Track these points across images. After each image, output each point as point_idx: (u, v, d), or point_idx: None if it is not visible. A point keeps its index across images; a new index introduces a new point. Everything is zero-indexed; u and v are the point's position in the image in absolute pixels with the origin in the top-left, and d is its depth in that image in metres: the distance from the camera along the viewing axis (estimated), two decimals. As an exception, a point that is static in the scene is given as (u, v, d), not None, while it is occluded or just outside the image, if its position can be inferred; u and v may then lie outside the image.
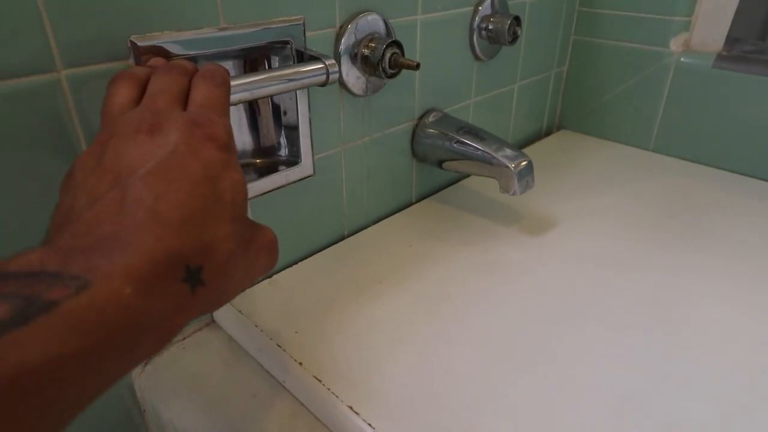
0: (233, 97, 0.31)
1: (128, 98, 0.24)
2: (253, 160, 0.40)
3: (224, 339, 0.39)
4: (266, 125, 0.40)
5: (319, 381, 0.33)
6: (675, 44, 0.62)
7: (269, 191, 0.39)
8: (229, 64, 0.36)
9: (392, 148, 0.50)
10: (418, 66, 0.41)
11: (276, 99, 0.39)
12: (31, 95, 0.27)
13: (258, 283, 0.42)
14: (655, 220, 0.51)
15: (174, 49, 0.31)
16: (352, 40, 0.41)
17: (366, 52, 0.41)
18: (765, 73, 0.57)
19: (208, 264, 0.20)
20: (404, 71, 0.43)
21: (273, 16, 0.35)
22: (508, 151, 0.47)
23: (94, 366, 0.16)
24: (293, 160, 0.41)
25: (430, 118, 0.51)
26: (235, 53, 0.35)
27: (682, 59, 0.62)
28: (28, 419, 0.15)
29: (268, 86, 0.33)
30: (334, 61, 0.35)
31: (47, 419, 0.15)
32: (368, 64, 0.41)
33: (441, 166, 0.52)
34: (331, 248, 0.47)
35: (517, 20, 0.53)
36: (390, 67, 0.41)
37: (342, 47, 0.40)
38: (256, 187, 0.38)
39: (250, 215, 0.39)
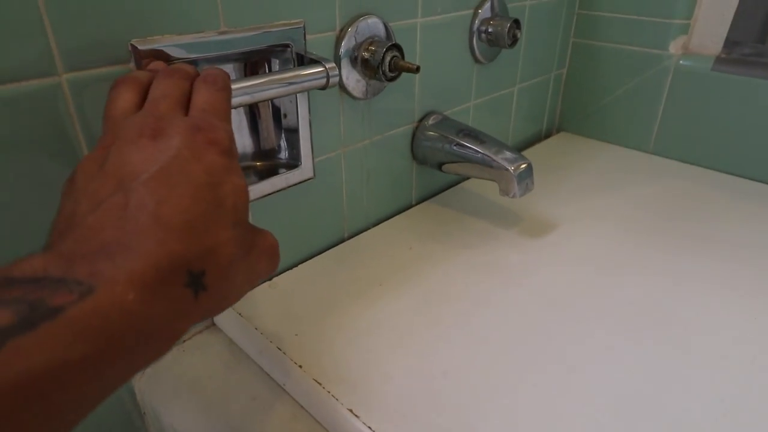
0: (234, 101, 0.31)
1: (130, 102, 0.24)
2: (253, 163, 0.40)
3: (224, 342, 0.39)
4: (266, 128, 0.40)
5: (319, 384, 0.33)
6: (674, 47, 0.62)
7: (269, 194, 0.39)
8: (229, 68, 0.36)
9: (392, 151, 0.50)
10: (418, 69, 0.41)
11: (276, 102, 0.39)
12: (33, 99, 0.27)
13: (258, 285, 0.42)
14: (654, 223, 0.51)
15: (175, 52, 0.31)
16: (353, 43, 0.41)
17: (366, 55, 0.41)
18: (764, 76, 0.57)
19: (211, 268, 0.20)
20: (404, 74, 0.43)
21: (273, 20, 0.35)
22: (508, 154, 0.47)
23: (98, 371, 0.16)
24: (293, 162, 0.41)
25: (430, 121, 0.52)
26: (235, 56, 0.35)
27: (681, 62, 0.62)
28: (33, 425, 0.15)
29: (268, 90, 0.33)
30: (334, 65, 0.36)
31: (52, 425, 0.15)
32: (368, 68, 0.41)
33: (441, 169, 0.52)
34: (331, 250, 0.47)
35: (516, 23, 0.53)
36: (390, 71, 0.41)
37: (342, 50, 0.40)
38: (257, 189, 0.38)
39: (250, 218, 0.40)
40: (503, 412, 0.31)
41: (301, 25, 0.37)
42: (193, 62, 0.34)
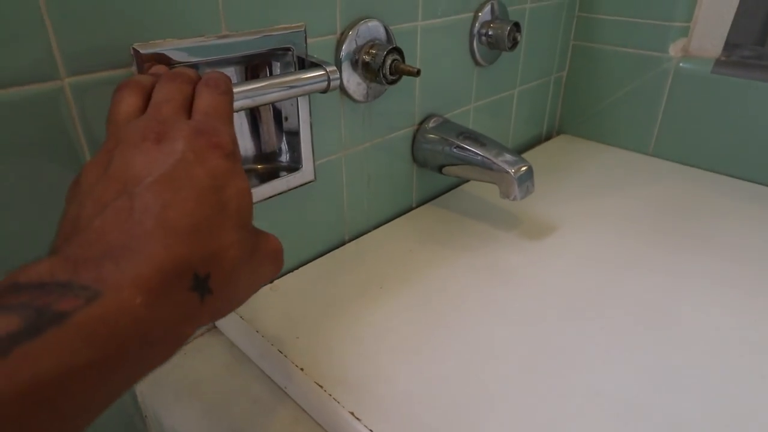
0: (235, 104, 0.31)
1: (134, 107, 0.24)
2: (254, 166, 0.40)
3: (226, 344, 0.39)
4: (267, 131, 0.40)
5: (321, 387, 0.33)
6: (674, 50, 0.62)
7: (270, 197, 0.40)
8: (230, 71, 0.36)
9: (393, 154, 0.50)
10: (418, 72, 0.41)
11: (277, 105, 0.40)
12: (35, 103, 0.27)
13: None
14: (654, 225, 0.51)
15: (176, 56, 0.31)
16: (353, 46, 0.41)
17: (367, 58, 0.41)
18: (763, 79, 0.57)
19: (216, 272, 0.20)
20: (405, 77, 0.43)
21: (274, 24, 0.36)
22: (508, 157, 0.47)
23: (105, 376, 0.16)
24: (294, 165, 0.41)
25: (431, 124, 0.52)
26: (236, 60, 0.36)
27: (681, 64, 0.62)
28: (40, 431, 0.15)
29: (269, 93, 0.33)
30: (335, 68, 0.36)
31: (60, 430, 0.15)
32: (369, 71, 0.42)
33: (441, 171, 0.52)
34: (332, 253, 0.47)
35: (516, 26, 0.53)
36: (391, 74, 0.41)
37: (343, 54, 0.41)
38: (257, 192, 0.38)
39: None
40: (505, 414, 0.31)
41: (302, 29, 0.37)
42: (195, 66, 0.34)
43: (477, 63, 0.55)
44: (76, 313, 0.15)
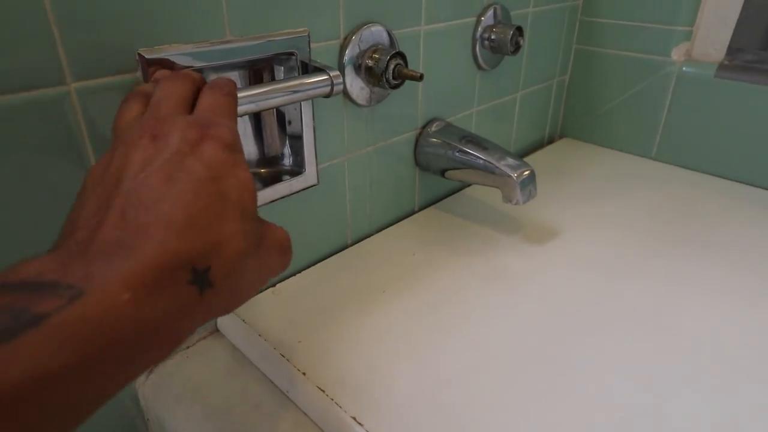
0: (239, 109, 0.31)
1: (136, 112, 0.24)
2: (257, 170, 0.41)
3: (228, 348, 0.39)
4: (271, 135, 0.40)
5: (323, 391, 0.33)
6: (677, 54, 0.62)
7: (273, 200, 0.40)
8: (234, 75, 0.36)
9: (395, 158, 0.50)
10: (421, 77, 0.41)
11: (281, 109, 0.40)
12: (42, 107, 0.27)
13: (261, 292, 0.43)
14: (657, 229, 0.51)
15: (181, 61, 0.31)
16: (356, 51, 0.41)
17: (370, 63, 0.41)
18: (767, 83, 0.57)
19: (217, 264, 0.20)
20: (407, 81, 0.43)
21: (278, 29, 0.36)
22: (511, 161, 0.47)
23: (91, 378, 0.16)
24: (297, 169, 0.41)
25: (433, 128, 0.52)
26: (240, 65, 0.36)
27: (683, 68, 0.62)
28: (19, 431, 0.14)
29: (273, 98, 0.33)
30: (338, 73, 0.36)
31: (44, 429, 0.15)
32: (372, 75, 0.42)
33: (444, 175, 0.52)
34: (334, 257, 0.47)
35: (519, 30, 0.53)
36: (393, 78, 0.41)
37: (346, 58, 0.41)
38: (260, 196, 0.39)
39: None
40: (507, 419, 0.31)
41: (306, 34, 0.37)
42: (199, 70, 0.34)
43: (480, 67, 0.55)
44: (54, 314, 0.15)
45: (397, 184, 0.52)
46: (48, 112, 0.27)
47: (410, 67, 0.43)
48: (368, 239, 0.50)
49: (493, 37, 0.53)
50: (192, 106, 0.25)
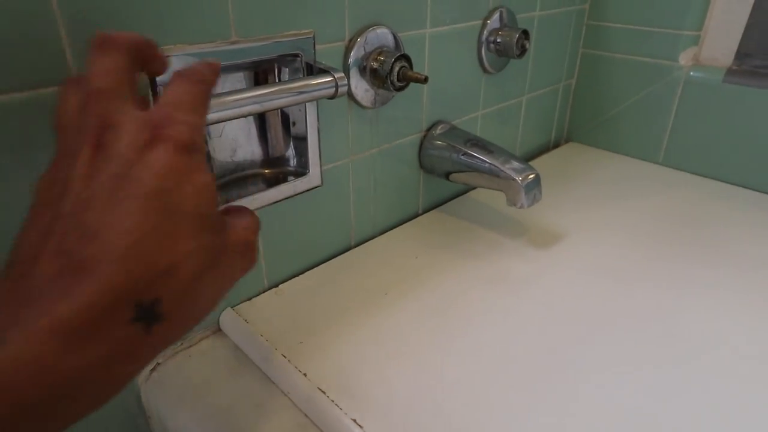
0: (243, 110, 0.31)
1: (76, 105, 0.21)
2: (261, 170, 0.41)
3: (230, 347, 0.39)
4: (275, 136, 0.41)
5: (324, 393, 0.33)
6: (684, 58, 0.62)
7: (277, 201, 0.40)
8: (239, 76, 0.36)
9: (400, 160, 0.50)
10: (426, 79, 0.41)
11: (285, 110, 0.40)
12: (48, 105, 0.27)
13: (264, 292, 0.43)
14: (664, 235, 0.51)
15: (186, 61, 0.31)
16: (362, 53, 0.41)
17: (375, 65, 0.41)
18: (775, 89, 0.56)
19: (169, 293, 0.18)
20: (412, 84, 0.43)
21: (283, 30, 0.36)
22: (516, 164, 0.47)
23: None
24: (301, 170, 0.41)
25: (438, 130, 0.52)
26: (246, 66, 0.36)
27: (691, 73, 0.61)
28: None
29: (277, 99, 0.33)
30: (343, 75, 0.36)
31: None
32: (377, 77, 0.42)
33: (448, 178, 0.52)
34: (337, 258, 0.47)
35: (525, 33, 0.53)
36: (398, 80, 0.41)
37: (351, 60, 0.41)
38: (264, 197, 0.39)
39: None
40: (510, 424, 0.31)
41: (311, 35, 0.37)
42: (204, 71, 0.34)
43: (485, 70, 0.55)
44: None
45: (401, 187, 0.52)
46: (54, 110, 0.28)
47: (415, 69, 0.43)
48: (372, 241, 0.50)
49: (498, 40, 0.53)
50: (134, 81, 0.21)
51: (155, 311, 0.17)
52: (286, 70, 0.38)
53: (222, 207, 0.24)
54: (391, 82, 0.41)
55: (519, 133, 0.66)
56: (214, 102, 0.30)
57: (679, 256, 0.47)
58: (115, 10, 0.28)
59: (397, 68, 0.41)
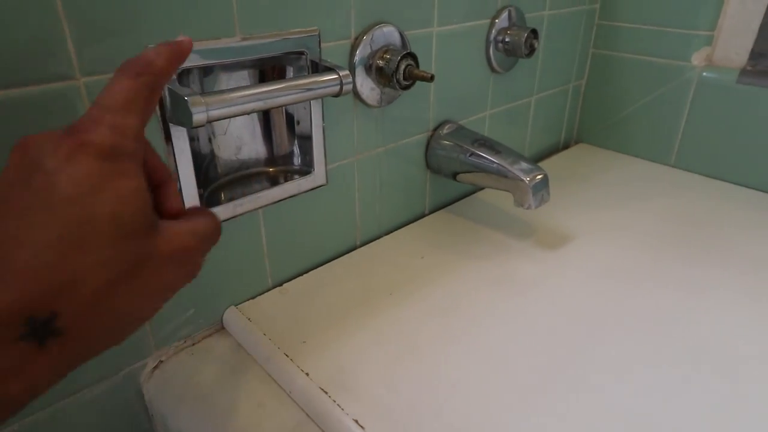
0: (247, 107, 0.31)
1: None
2: (266, 169, 0.41)
3: (232, 345, 0.39)
4: (279, 134, 0.40)
5: (325, 392, 0.32)
6: (697, 59, 0.61)
7: (281, 200, 0.40)
8: (244, 74, 0.36)
9: (406, 159, 0.50)
10: (432, 78, 0.41)
11: (290, 109, 0.40)
12: (52, 101, 0.27)
13: (268, 291, 0.42)
14: (674, 237, 0.50)
15: (190, 58, 0.31)
16: (368, 51, 0.41)
17: (381, 63, 0.41)
18: (791, 89, 0.55)
19: (69, 307, 0.17)
20: (419, 82, 0.43)
21: (288, 28, 0.36)
22: (524, 165, 0.46)
23: None
24: (306, 169, 0.41)
25: (445, 130, 0.51)
26: (250, 63, 0.36)
27: (704, 74, 0.60)
28: None
29: (282, 96, 0.33)
30: (348, 72, 0.36)
31: None
32: (383, 76, 0.41)
33: (455, 178, 0.52)
34: (342, 258, 0.47)
35: (534, 33, 0.52)
36: (404, 79, 0.41)
37: (357, 58, 0.41)
38: (268, 195, 0.38)
39: (261, 225, 0.40)
40: (513, 427, 0.30)
41: (316, 33, 0.37)
42: (207, 68, 0.34)
43: (493, 70, 0.55)
44: None
45: (407, 186, 0.51)
46: (58, 106, 0.28)
47: (422, 68, 0.42)
48: (377, 241, 0.50)
49: (507, 39, 0.53)
50: None
51: (51, 327, 0.17)
52: (290, 69, 0.38)
53: (187, 208, 0.24)
54: (397, 81, 0.41)
55: (528, 133, 0.65)
56: (219, 99, 0.30)
57: (690, 261, 0.46)
58: (118, 7, 0.28)
59: (403, 66, 0.41)
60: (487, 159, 0.47)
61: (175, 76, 0.31)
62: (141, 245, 0.19)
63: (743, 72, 0.58)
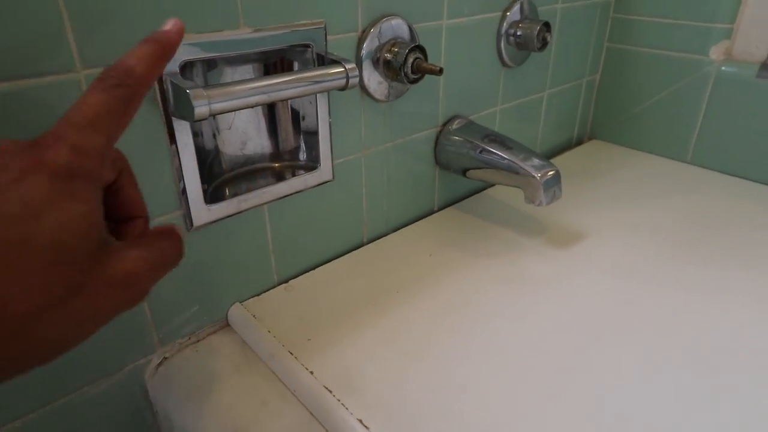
0: (251, 100, 0.31)
1: None
2: (271, 164, 0.40)
3: (237, 343, 0.39)
4: (285, 129, 0.40)
5: (330, 391, 0.32)
6: (715, 52, 0.59)
7: (287, 195, 0.39)
8: (249, 68, 0.36)
9: (414, 155, 0.49)
10: (440, 71, 0.40)
11: (295, 104, 0.39)
12: (53, 94, 0.27)
13: (274, 288, 0.42)
14: (691, 237, 0.49)
15: (192, 51, 0.31)
16: (375, 44, 0.40)
17: (388, 56, 0.40)
18: (814, 83, 0.53)
19: None
20: (429, 76, 0.42)
21: (294, 20, 0.35)
22: (535, 161, 0.45)
23: None
24: (312, 164, 0.40)
25: (455, 125, 0.50)
26: (255, 56, 0.35)
27: (723, 68, 0.59)
28: None
29: (285, 89, 0.32)
30: (354, 66, 0.35)
31: None
32: (390, 69, 0.41)
33: (465, 175, 0.51)
34: (349, 255, 0.46)
35: (546, 26, 0.51)
36: (412, 72, 0.40)
37: (364, 51, 0.40)
38: (274, 191, 0.38)
39: (266, 221, 0.39)
40: (522, 428, 0.29)
41: (322, 26, 0.36)
42: (211, 61, 0.34)
43: (504, 64, 0.53)
44: None
45: (415, 183, 0.51)
46: (59, 99, 0.27)
47: (431, 61, 0.41)
48: (385, 238, 0.49)
49: (518, 32, 0.52)
50: None
51: None
52: (296, 62, 0.37)
53: (154, 227, 0.23)
54: (405, 74, 0.40)
55: (540, 129, 0.64)
56: (221, 92, 0.29)
57: (707, 260, 0.45)
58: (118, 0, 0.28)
59: (411, 60, 0.40)
60: (498, 155, 0.46)
61: (177, 69, 0.30)
62: (78, 272, 0.19)
63: (764, 66, 0.57)
